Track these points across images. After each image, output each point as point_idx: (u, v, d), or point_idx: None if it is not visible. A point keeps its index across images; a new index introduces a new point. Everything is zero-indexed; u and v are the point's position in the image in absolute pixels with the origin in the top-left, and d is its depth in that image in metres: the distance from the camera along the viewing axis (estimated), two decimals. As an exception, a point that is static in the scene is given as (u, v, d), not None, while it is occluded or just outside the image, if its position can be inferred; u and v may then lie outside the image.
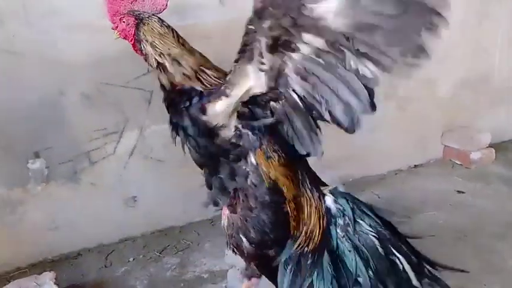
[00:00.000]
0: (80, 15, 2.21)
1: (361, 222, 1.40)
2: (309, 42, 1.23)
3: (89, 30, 2.21)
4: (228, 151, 1.47)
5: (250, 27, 1.30)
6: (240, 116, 1.44)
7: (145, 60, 1.58)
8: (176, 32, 1.57)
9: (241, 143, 1.45)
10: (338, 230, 1.42)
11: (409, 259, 1.35)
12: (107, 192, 2.53)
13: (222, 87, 1.43)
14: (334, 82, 1.29)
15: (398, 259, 1.34)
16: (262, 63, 1.34)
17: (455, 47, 3.35)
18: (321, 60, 1.25)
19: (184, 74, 1.52)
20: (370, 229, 1.38)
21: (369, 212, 1.43)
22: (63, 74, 2.27)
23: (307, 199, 1.50)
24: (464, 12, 3.31)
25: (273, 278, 1.56)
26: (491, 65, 3.57)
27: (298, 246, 1.48)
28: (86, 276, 2.35)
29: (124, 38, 1.60)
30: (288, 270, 1.46)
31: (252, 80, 1.39)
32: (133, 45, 1.60)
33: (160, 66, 1.54)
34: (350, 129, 1.35)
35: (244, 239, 1.56)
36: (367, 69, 1.24)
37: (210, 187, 1.59)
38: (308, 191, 1.51)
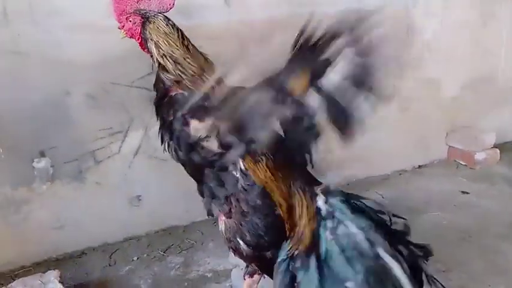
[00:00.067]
0: (84, 15, 2.22)
1: (351, 223, 1.35)
2: None
3: (94, 30, 2.21)
4: (213, 162, 1.48)
5: None
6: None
7: (151, 58, 1.59)
8: (182, 32, 1.57)
9: (228, 152, 1.46)
10: (327, 232, 1.39)
11: (403, 265, 1.30)
12: (111, 191, 2.54)
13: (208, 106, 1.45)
14: None
15: (389, 265, 1.31)
16: None
17: (459, 47, 3.35)
18: None
19: (183, 77, 1.52)
20: (360, 231, 1.33)
21: (361, 214, 1.39)
22: (68, 74, 2.28)
23: (298, 200, 1.49)
24: (469, 13, 3.31)
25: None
26: (495, 65, 3.56)
27: (291, 247, 1.47)
28: (90, 274, 2.36)
29: (131, 37, 1.61)
30: (279, 272, 1.45)
31: None
32: (141, 44, 1.61)
33: (162, 67, 1.55)
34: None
35: (241, 242, 1.57)
36: None
37: (202, 195, 1.61)
38: (300, 192, 1.50)
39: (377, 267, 1.29)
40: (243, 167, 1.47)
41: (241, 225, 1.54)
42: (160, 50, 1.54)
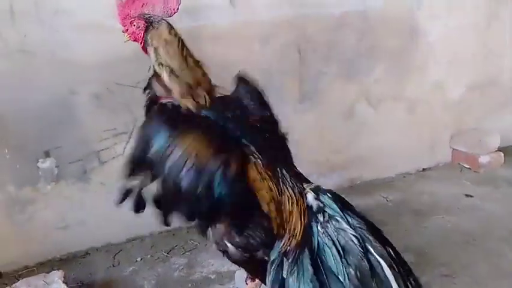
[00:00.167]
0: (90, 15, 2.23)
1: (340, 220, 1.38)
2: None
3: (100, 30, 2.23)
4: None
5: None
6: None
7: None
8: (183, 42, 1.57)
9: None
10: (318, 227, 1.41)
11: (390, 263, 1.33)
12: (116, 192, 2.53)
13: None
14: None
15: (378, 262, 1.32)
16: None
17: (464, 49, 3.35)
18: None
19: (177, 89, 1.52)
20: (349, 227, 1.35)
21: (349, 212, 1.41)
22: (73, 74, 2.29)
23: (288, 197, 1.50)
24: (473, 15, 3.30)
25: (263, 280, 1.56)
26: (500, 67, 3.55)
27: (283, 245, 1.47)
28: (93, 275, 2.36)
29: (134, 40, 1.61)
30: (272, 270, 1.46)
31: None
32: (143, 48, 1.62)
33: (157, 75, 1.55)
34: None
35: (229, 245, 1.57)
36: None
37: None
38: (289, 189, 1.51)
39: (366, 263, 1.30)
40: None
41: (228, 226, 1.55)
42: (158, 57, 1.54)
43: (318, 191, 1.49)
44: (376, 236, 1.37)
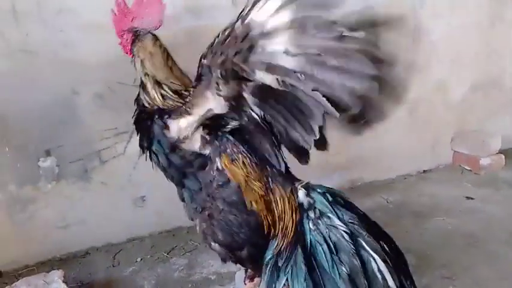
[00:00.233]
0: (93, 15, 2.23)
1: (332, 216, 1.38)
2: (261, 78, 1.27)
3: (102, 30, 2.21)
4: (192, 161, 1.53)
5: (204, 61, 1.37)
6: (205, 127, 1.49)
7: None
8: (168, 52, 1.63)
9: (206, 152, 1.50)
10: (310, 224, 1.42)
11: (384, 258, 1.32)
12: (116, 191, 2.54)
13: (183, 107, 1.50)
14: (288, 109, 1.35)
15: (372, 257, 1.32)
16: (219, 90, 1.40)
17: (467, 50, 3.33)
18: (274, 90, 1.29)
19: (163, 97, 1.56)
20: (341, 224, 1.36)
21: (341, 207, 1.42)
22: (76, 74, 2.29)
23: (279, 195, 1.51)
24: (476, 14, 3.29)
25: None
26: (502, 68, 3.53)
27: (277, 245, 1.48)
28: (93, 275, 2.36)
29: (126, 53, 1.68)
30: (267, 271, 1.46)
31: (211, 102, 1.45)
32: (134, 60, 1.66)
33: (143, 85, 1.59)
34: (302, 160, 1.46)
35: (212, 243, 1.60)
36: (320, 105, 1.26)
37: (182, 199, 1.67)
38: (280, 187, 1.52)
39: (358, 259, 1.31)
40: (220, 166, 1.50)
41: (213, 225, 1.56)
42: (144, 68, 1.59)
43: (308, 188, 1.50)
44: (370, 229, 1.38)
